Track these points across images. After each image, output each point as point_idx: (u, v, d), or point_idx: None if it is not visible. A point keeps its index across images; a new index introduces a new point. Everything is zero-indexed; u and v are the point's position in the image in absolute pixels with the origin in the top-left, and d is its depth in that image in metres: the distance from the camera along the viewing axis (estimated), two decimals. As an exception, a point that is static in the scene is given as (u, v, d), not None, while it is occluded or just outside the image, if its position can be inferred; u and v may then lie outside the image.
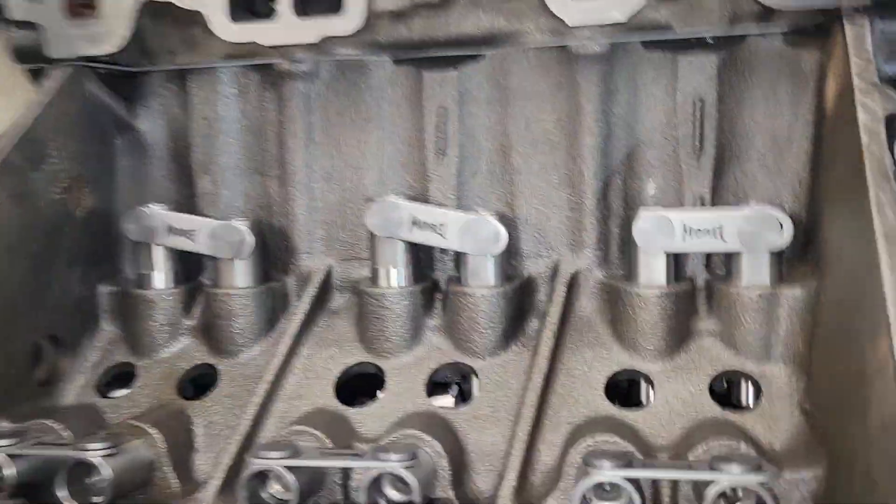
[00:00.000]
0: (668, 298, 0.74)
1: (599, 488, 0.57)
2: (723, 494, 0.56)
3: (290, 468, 0.60)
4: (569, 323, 0.78)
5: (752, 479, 0.54)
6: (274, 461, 0.61)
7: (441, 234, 0.77)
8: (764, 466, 0.54)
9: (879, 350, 0.48)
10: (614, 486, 0.56)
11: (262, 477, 0.62)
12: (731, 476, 0.54)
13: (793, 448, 0.65)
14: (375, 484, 0.62)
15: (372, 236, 0.80)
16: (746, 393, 0.83)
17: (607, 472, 0.55)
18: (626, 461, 0.56)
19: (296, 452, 0.62)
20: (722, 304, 0.74)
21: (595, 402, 0.73)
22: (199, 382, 0.83)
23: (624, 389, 0.83)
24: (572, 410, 0.72)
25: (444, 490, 0.66)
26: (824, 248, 0.68)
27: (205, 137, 0.88)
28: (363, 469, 0.62)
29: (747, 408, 0.76)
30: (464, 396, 0.90)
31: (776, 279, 0.72)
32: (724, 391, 0.81)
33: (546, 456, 0.70)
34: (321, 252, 0.88)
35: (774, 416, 0.69)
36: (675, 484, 0.62)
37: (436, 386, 0.80)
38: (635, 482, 0.56)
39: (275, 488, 0.64)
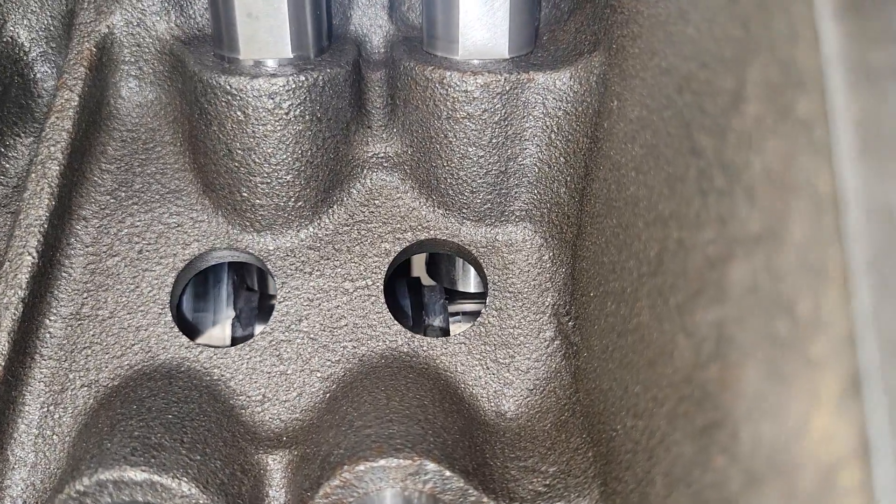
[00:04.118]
0: (294, 94, 0.41)
1: None
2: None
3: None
4: (97, 138, 0.45)
5: None
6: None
7: None
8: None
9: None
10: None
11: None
12: None
13: (532, 435, 0.41)
14: None
15: None
16: (463, 278, 0.55)
17: None
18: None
19: None
20: (413, 104, 0.43)
21: (154, 329, 0.42)
22: None
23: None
24: (95, 357, 0.41)
25: None
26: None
27: None
28: None
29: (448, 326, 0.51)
30: None
31: (522, 46, 0.42)
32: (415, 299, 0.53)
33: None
34: None
35: (507, 344, 0.43)
36: None
37: None
38: None
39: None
